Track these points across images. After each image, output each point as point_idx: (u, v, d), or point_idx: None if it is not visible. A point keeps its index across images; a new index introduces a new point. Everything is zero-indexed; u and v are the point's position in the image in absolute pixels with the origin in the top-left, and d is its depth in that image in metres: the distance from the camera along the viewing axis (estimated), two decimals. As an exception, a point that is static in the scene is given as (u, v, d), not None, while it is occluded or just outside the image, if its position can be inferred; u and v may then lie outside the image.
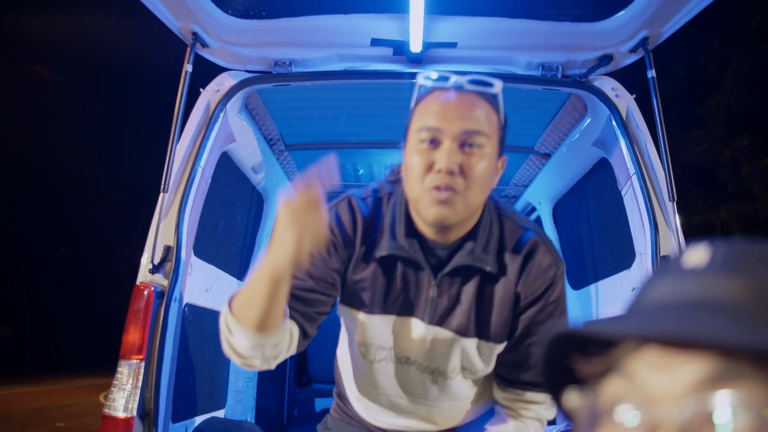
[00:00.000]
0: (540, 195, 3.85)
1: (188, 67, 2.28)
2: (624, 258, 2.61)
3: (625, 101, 2.42)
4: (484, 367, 1.39)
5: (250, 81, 2.45)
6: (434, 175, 1.19)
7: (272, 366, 1.29)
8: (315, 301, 1.32)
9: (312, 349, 5.45)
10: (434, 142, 1.21)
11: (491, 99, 1.26)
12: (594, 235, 3.06)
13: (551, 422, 1.55)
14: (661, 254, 2.16)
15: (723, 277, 0.49)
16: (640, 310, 0.53)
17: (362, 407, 1.56)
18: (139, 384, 1.97)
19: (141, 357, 2.00)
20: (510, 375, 1.41)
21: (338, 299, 1.42)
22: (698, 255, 0.53)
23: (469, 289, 1.32)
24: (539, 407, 1.42)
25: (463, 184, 1.19)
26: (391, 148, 3.64)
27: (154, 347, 2.01)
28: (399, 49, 2.44)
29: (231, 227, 3.13)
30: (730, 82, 19.36)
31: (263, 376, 3.77)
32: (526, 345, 1.36)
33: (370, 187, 1.44)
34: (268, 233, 3.71)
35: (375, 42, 2.41)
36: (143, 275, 2.15)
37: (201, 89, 2.49)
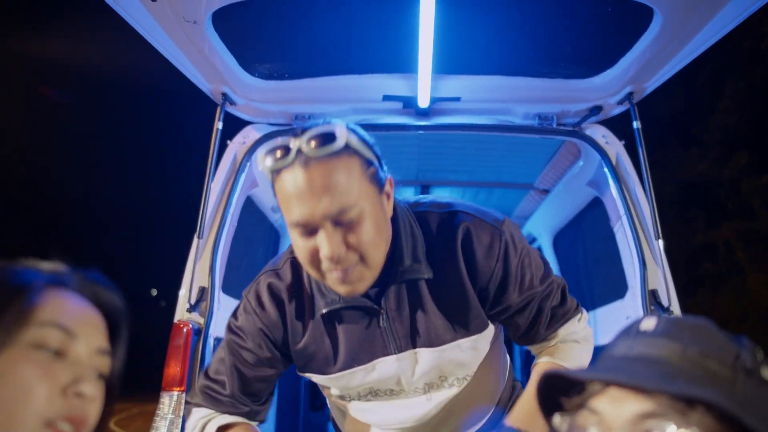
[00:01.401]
0: (540, 227, 4.09)
1: (219, 125, 2.53)
2: (618, 289, 2.83)
3: (615, 147, 2.67)
4: (475, 359, 1.33)
5: (273, 134, 2.70)
6: (325, 262, 1.10)
7: None
8: (260, 394, 1.39)
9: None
10: (308, 231, 1.09)
11: (343, 151, 1.08)
12: (590, 266, 3.28)
13: None
14: (649, 288, 2.38)
15: (661, 341, 0.73)
16: (605, 360, 0.76)
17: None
18: (181, 413, 2.19)
19: (182, 388, 2.22)
20: (533, 337, 1.34)
21: (294, 366, 1.39)
22: (648, 323, 0.76)
23: (415, 303, 1.25)
24: (573, 335, 1.35)
25: (357, 255, 1.10)
26: (398, 186, 3.90)
27: (194, 380, 2.23)
28: (408, 103, 2.69)
29: (252, 263, 3.36)
30: (726, 101, 19.63)
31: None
32: (527, 309, 1.30)
33: (284, 254, 1.36)
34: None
35: (386, 98, 2.67)
36: (180, 314, 2.37)
37: (228, 141, 2.75)
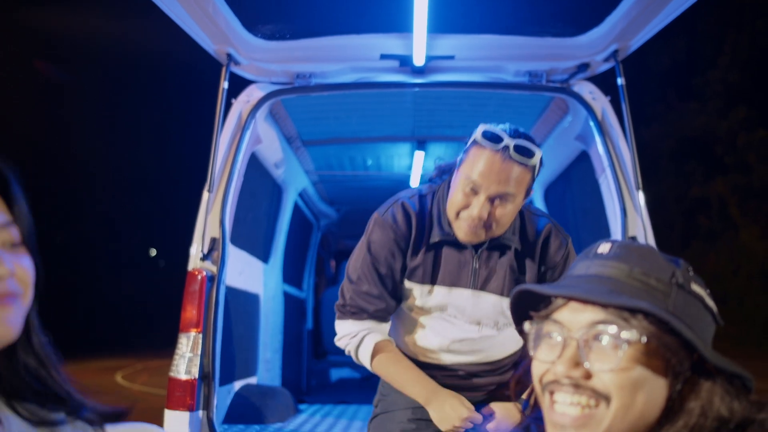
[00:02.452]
0: (532, 180, 4.25)
1: (225, 84, 2.66)
2: (602, 237, 3.02)
3: (601, 103, 2.80)
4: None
5: (276, 92, 2.83)
6: (468, 212, 1.58)
7: None
8: (388, 300, 1.78)
9: (326, 324, 5.92)
10: (474, 191, 1.57)
11: (528, 167, 1.57)
12: (578, 216, 3.46)
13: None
14: (629, 235, 2.56)
15: (613, 262, 0.90)
16: (567, 278, 0.94)
17: (414, 350, 1.84)
18: (198, 352, 2.40)
19: (198, 330, 2.42)
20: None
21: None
22: (603, 247, 0.94)
23: (503, 261, 1.70)
24: None
25: (490, 224, 1.58)
26: (395, 141, 4.04)
27: (209, 322, 2.44)
28: (404, 62, 2.81)
29: (257, 217, 3.54)
30: (726, 55, 19.43)
31: (287, 349, 4.22)
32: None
33: (416, 189, 1.82)
34: (286, 220, 4.13)
35: (383, 56, 2.79)
36: (194, 263, 2.56)
37: (233, 100, 2.88)
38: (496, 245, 1.70)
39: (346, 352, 1.80)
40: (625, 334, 0.81)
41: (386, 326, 1.80)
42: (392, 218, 1.73)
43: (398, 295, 1.79)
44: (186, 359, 2.42)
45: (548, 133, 3.48)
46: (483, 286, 1.71)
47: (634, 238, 2.57)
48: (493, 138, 1.55)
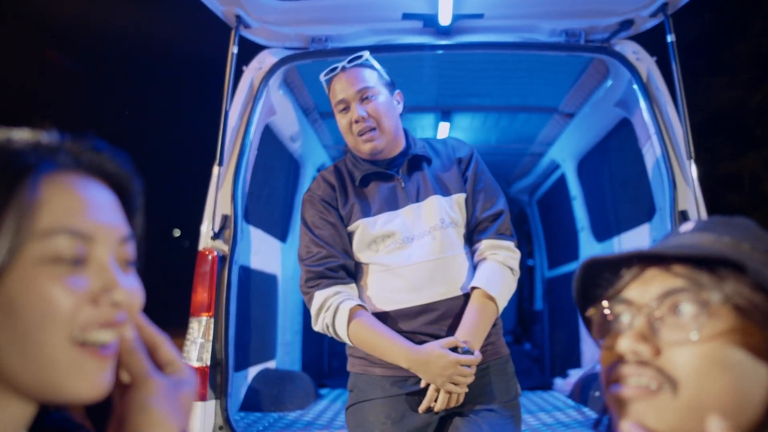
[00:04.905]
0: (564, 153, 4.00)
1: (234, 49, 2.46)
2: (645, 212, 2.78)
3: (646, 64, 2.54)
4: (459, 215, 1.76)
5: (290, 58, 2.62)
6: (354, 126, 1.70)
7: None
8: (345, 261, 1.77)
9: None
10: (345, 108, 1.72)
11: (367, 65, 1.75)
12: (616, 190, 3.21)
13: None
14: (680, 209, 2.32)
15: (697, 233, 0.71)
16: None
17: (383, 301, 1.75)
18: (210, 337, 2.24)
19: (210, 314, 2.26)
20: (474, 220, 1.77)
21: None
22: (688, 225, 0.75)
23: (425, 173, 1.78)
24: (504, 252, 1.74)
25: (377, 121, 1.69)
26: (418, 112, 3.80)
27: (221, 305, 2.27)
28: (429, 21, 2.57)
29: (273, 193, 3.35)
30: (758, 25, 18.72)
31: (307, 331, 4.06)
32: (477, 192, 1.79)
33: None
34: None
35: (406, 16, 2.55)
36: (205, 242, 2.39)
37: (244, 67, 2.67)
38: (412, 161, 1.79)
39: (328, 333, 1.71)
40: (707, 298, 0.62)
41: (354, 289, 1.76)
42: (314, 188, 1.82)
43: (350, 252, 1.78)
44: (197, 345, 2.26)
45: (585, 99, 3.22)
46: (416, 197, 1.76)
47: (684, 213, 2.33)
48: (330, 72, 1.76)
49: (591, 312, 0.73)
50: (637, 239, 2.93)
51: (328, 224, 1.75)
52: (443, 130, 3.98)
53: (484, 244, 1.75)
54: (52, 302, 0.54)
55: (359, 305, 1.67)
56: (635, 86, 2.55)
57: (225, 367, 2.24)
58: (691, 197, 2.33)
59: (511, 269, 1.74)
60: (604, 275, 0.73)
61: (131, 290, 0.61)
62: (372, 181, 1.79)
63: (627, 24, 2.53)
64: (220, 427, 2.19)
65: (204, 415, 2.17)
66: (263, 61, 2.65)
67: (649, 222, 2.74)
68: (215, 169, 2.43)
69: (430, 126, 4.06)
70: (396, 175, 1.77)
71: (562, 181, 4.20)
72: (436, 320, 1.69)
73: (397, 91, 1.82)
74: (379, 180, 1.78)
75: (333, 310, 1.66)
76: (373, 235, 1.73)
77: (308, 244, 1.75)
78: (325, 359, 4.89)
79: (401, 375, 1.66)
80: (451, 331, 1.67)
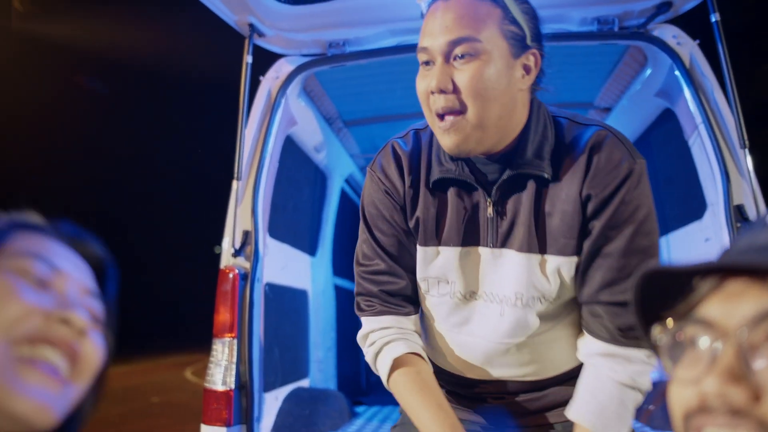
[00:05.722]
0: (602, 150, 3.79)
1: (248, 58, 2.38)
2: (694, 209, 2.56)
3: (688, 48, 2.35)
4: (553, 289, 1.19)
5: (307, 65, 2.53)
6: (432, 98, 1.12)
7: None
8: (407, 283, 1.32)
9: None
10: (429, 64, 1.13)
11: None
12: (662, 187, 3.00)
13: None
14: (735, 203, 2.11)
15: None
16: (722, 256, 0.58)
17: (437, 352, 1.39)
18: (234, 359, 2.14)
19: (233, 335, 2.16)
20: (591, 297, 1.17)
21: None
22: None
23: (527, 200, 1.18)
24: (632, 367, 1.14)
25: (463, 101, 1.10)
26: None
27: (244, 325, 2.17)
28: (450, 18, 2.44)
29: (299, 206, 3.26)
30: (805, 7, 17.97)
31: (341, 346, 3.94)
32: (600, 255, 1.15)
33: (410, 127, 1.36)
34: (333, 209, 3.83)
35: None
36: (226, 260, 2.30)
37: (261, 77, 2.59)
38: (516, 176, 1.17)
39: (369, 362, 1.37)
40: None
41: (413, 323, 1.33)
42: (380, 167, 1.30)
43: (415, 270, 1.33)
44: (222, 368, 2.17)
45: (622, 91, 3.03)
46: (503, 242, 1.20)
47: (740, 208, 2.12)
48: None
49: (657, 332, 0.58)
50: (687, 239, 2.71)
51: (393, 228, 1.29)
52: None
53: (598, 347, 1.17)
54: (4, 298, 0.54)
55: (409, 353, 1.27)
56: (677, 73, 2.35)
57: (250, 390, 2.14)
58: (748, 190, 2.12)
59: (639, 389, 1.15)
60: (671, 285, 0.58)
61: (90, 342, 0.60)
62: (450, 186, 1.24)
63: (664, 6, 2.34)
64: (247, 454, 2.09)
65: (229, 442, 2.07)
66: (280, 69, 2.56)
67: (699, 220, 2.53)
68: (234, 184, 2.35)
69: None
70: (487, 196, 1.20)
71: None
72: (502, 395, 1.34)
73: (533, 50, 1.17)
74: (463, 190, 1.23)
75: (376, 349, 1.30)
76: (424, 274, 1.29)
77: (365, 246, 1.33)
78: (363, 375, 4.77)
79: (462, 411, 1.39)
80: (528, 405, 1.32)
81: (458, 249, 1.23)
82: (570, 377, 1.30)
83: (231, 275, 2.21)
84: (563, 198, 1.16)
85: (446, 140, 1.13)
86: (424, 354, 1.30)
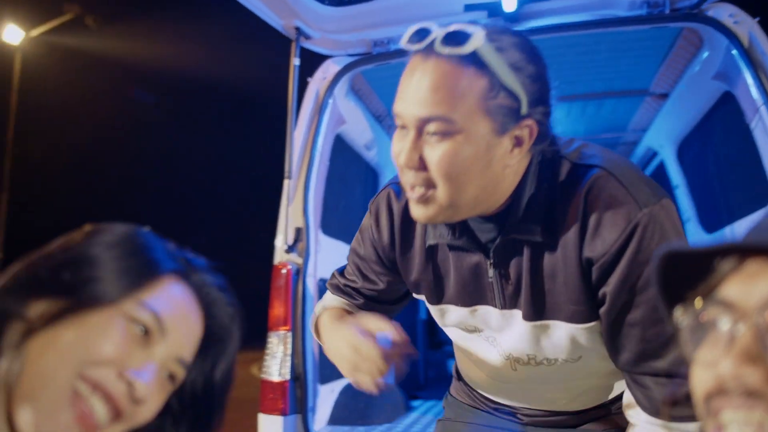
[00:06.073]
0: (661, 138, 3.66)
1: (296, 61, 2.45)
2: (761, 195, 2.45)
3: (746, 27, 2.24)
4: (570, 353, 1.12)
5: (353, 65, 2.58)
6: (403, 171, 1.01)
7: None
8: (373, 298, 1.32)
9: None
10: (404, 128, 1.00)
11: (470, 61, 0.94)
12: (724, 174, 2.88)
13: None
14: (800, 187, 2.01)
15: None
16: (747, 235, 0.58)
17: (467, 381, 1.42)
18: (289, 351, 2.22)
19: (287, 328, 2.24)
20: (630, 367, 1.05)
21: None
22: None
23: (527, 264, 1.07)
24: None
25: (433, 180, 0.98)
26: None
27: (297, 318, 2.25)
28: (493, 10, 2.43)
29: (351, 204, 3.33)
30: None
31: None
32: (624, 325, 1.01)
33: None
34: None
35: (468, 7, 2.43)
36: (280, 256, 2.39)
37: (309, 79, 2.67)
38: (510, 241, 1.06)
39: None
40: None
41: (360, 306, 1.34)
42: (375, 213, 1.23)
43: (391, 299, 1.34)
44: (277, 360, 2.26)
45: (678, 76, 2.92)
46: (513, 304, 1.11)
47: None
48: (418, 33, 0.97)
49: (679, 313, 0.58)
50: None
51: (372, 272, 1.29)
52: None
53: (645, 417, 1.04)
54: (101, 334, 0.61)
55: (339, 307, 1.32)
56: (735, 54, 2.25)
57: (304, 381, 2.21)
58: (814, 172, 2.01)
59: None
60: (693, 267, 0.58)
61: (150, 396, 0.65)
62: (448, 247, 1.16)
63: (719, -16, 2.25)
64: (303, 443, 2.17)
65: (286, 430, 2.15)
66: (327, 70, 2.63)
67: (765, 207, 2.41)
68: (285, 183, 2.43)
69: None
70: (486, 257, 1.10)
71: (661, 169, 3.84)
72: (532, 416, 1.32)
73: (529, 121, 0.99)
74: (462, 251, 1.14)
75: (317, 312, 1.35)
76: (441, 322, 1.26)
77: (350, 261, 1.34)
78: (421, 370, 4.79)
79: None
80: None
81: (466, 309, 1.17)
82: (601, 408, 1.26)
83: (284, 271, 2.29)
84: (563, 263, 1.04)
85: (415, 212, 1.03)
86: (355, 311, 1.32)
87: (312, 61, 2.70)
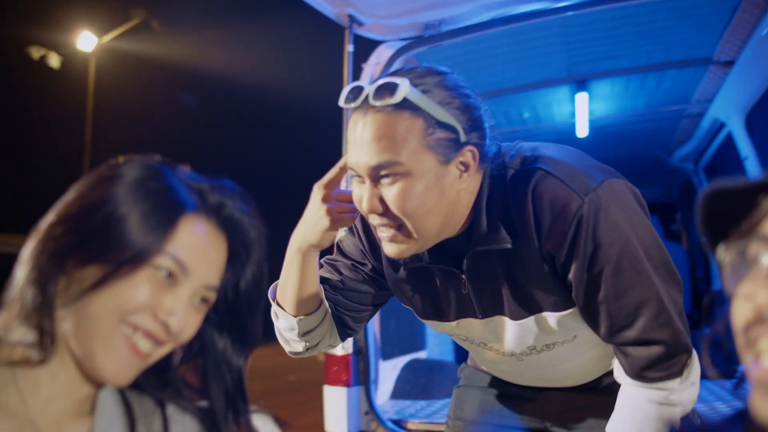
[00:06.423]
0: (728, 108, 3.52)
1: (349, 47, 2.53)
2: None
3: (815, -16, 2.14)
4: (564, 334, 1.20)
5: (405, 48, 2.63)
6: (368, 215, 1.08)
7: (315, 353, 1.36)
8: (348, 301, 1.34)
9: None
10: (359, 178, 1.08)
11: (403, 107, 1.02)
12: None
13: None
14: None
15: None
16: None
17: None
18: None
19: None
20: (608, 339, 1.14)
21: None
22: None
23: (500, 271, 1.15)
24: (661, 393, 1.10)
25: (397, 218, 1.06)
26: (550, 86, 3.60)
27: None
28: (545, -23, 2.42)
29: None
30: None
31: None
32: (593, 304, 1.10)
33: None
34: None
35: (519, -17, 2.43)
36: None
37: (363, 65, 2.74)
38: (479, 252, 1.13)
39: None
40: None
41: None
42: (362, 224, 1.29)
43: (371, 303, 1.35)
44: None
45: (744, 41, 2.81)
46: (493, 312, 1.19)
47: None
48: (352, 92, 1.06)
49: (722, 251, 0.60)
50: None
51: (350, 280, 1.31)
52: (581, 102, 3.72)
53: (630, 380, 1.14)
54: (132, 287, 0.69)
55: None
56: (803, 14, 2.16)
57: (366, 355, 2.31)
58: None
59: (678, 404, 1.10)
60: (737, 205, 0.59)
61: (185, 325, 0.73)
62: (424, 268, 1.23)
63: (784, -58, 2.15)
64: (366, 412, 2.26)
65: (350, 401, 2.26)
66: (380, 55, 2.69)
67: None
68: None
69: (566, 100, 3.81)
70: (459, 271, 1.18)
71: (729, 141, 3.70)
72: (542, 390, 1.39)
73: (470, 147, 1.06)
74: (434, 269, 1.22)
75: None
76: (435, 330, 1.35)
77: (327, 266, 1.35)
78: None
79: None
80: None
81: (451, 323, 1.25)
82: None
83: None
84: (531, 262, 1.12)
85: (388, 250, 1.10)
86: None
87: (361, 52, 2.77)
